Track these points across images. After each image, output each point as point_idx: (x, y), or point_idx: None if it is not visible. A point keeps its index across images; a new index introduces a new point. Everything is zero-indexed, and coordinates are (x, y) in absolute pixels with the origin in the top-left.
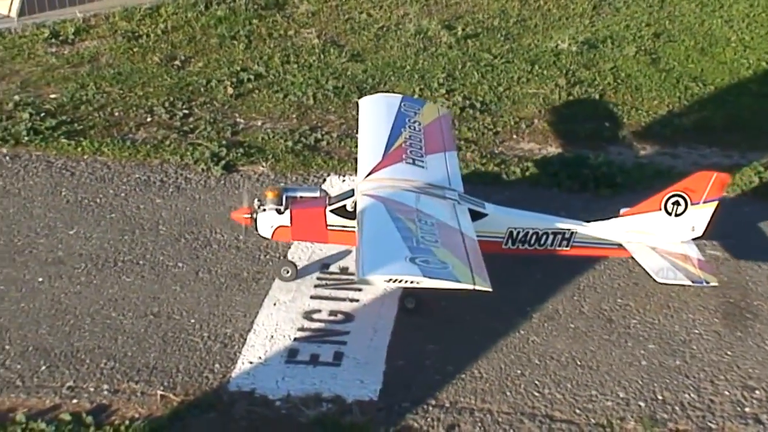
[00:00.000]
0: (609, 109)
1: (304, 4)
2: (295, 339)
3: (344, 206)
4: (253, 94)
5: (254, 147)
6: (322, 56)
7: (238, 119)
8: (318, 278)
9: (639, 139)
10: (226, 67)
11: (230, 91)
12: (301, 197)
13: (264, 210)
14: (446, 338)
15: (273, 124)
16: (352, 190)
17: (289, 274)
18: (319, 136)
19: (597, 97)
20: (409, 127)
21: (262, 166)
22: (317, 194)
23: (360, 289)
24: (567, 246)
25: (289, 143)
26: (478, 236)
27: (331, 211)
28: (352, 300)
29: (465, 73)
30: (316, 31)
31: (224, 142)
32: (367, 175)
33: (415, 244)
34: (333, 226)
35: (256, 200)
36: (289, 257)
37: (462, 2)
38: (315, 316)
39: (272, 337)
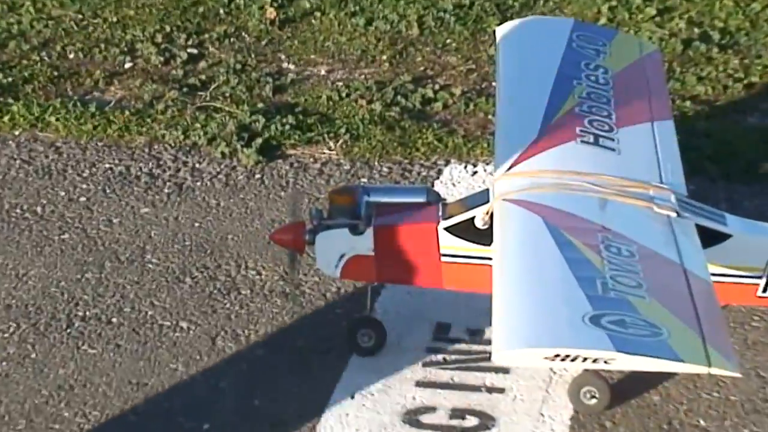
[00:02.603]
0: None
1: None
2: None
3: (471, 220)
4: (310, 19)
5: (313, 113)
6: None
7: (284, 64)
8: (429, 349)
9: None
10: None
11: (271, 13)
12: (392, 204)
13: (328, 227)
14: None
15: (346, 72)
16: (487, 191)
17: (371, 342)
18: (430, 93)
19: None
20: (588, 77)
21: (329, 148)
22: (422, 199)
23: (506, 371)
24: None
25: (376, 107)
26: (716, 275)
27: (448, 228)
28: (490, 389)
29: None
30: None
31: (261, 105)
32: (512, 166)
33: (601, 292)
34: (451, 255)
35: (314, 209)
36: (374, 311)
37: None
38: (425, 418)
39: None
